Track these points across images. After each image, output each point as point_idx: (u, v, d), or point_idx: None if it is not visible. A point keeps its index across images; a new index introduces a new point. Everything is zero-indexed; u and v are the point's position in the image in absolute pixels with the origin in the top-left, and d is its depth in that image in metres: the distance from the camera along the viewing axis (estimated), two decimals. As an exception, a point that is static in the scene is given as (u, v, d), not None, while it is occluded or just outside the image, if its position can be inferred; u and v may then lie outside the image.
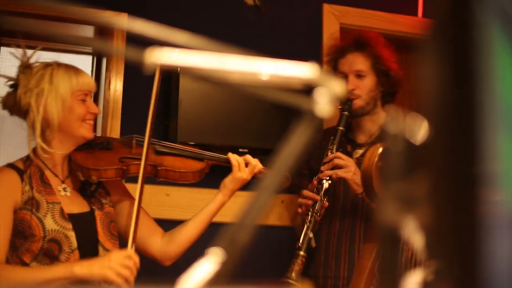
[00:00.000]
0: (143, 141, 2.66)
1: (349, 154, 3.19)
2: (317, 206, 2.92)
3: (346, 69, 3.19)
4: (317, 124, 1.01)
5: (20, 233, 2.58)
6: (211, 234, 2.74)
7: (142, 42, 1.02)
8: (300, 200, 2.96)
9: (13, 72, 2.71)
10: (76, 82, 2.67)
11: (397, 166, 0.68)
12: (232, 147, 3.82)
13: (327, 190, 2.98)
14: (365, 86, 3.18)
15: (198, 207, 2.88)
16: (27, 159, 2.72)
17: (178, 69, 0.96)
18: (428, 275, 0.89)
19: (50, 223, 2.57)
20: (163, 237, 2.83)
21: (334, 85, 1.00)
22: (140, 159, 2.63)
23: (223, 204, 2.80)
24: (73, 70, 2.70)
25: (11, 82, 2.69)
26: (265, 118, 3.97)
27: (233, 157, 2.80)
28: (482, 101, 0.63)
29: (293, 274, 2.75)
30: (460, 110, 0.59)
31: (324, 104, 0.99)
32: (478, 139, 0.65)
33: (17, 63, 2.76)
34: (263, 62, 0.99)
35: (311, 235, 2.88)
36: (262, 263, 3.69)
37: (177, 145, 2.90)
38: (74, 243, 2.60)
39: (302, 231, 2.92)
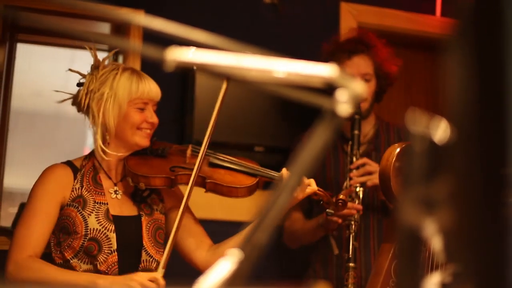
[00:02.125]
0: (198, 151, 2.64)
1: (346, 154, 3.18)
2: (357, 215, 2.92)
3: (354, 71, 3.17)
4: (338, 124, 1.00)
5: (65, 228, 2.61)
6: (230, 233, 2.76)
7: (159, 40, 1.01)
8: (346, 211, 2.87)
9: (35, 68, 2.73)
10: (136, 90, 2.66)
11: (419, 167, 0.67)
12: (248, 145, 3.81)
13: (362, 197, 2.97)
14: (370, 89, 3.19)
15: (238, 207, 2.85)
16: (85, 158, 2.75)
17: (194, 67, 0.96)
18: (446, 277, 0.88)
19: (93, 222, 2.60)
20: (209, 249, 2.79)
21: (355, 85, 0.99)
22: (191, 170, 2.61)
23: None
24: (136, 76, 2.69)
25: (81, 81, 2.72)
26: (281, 117, 3.96)
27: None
28: (509, 101, 0.62)
29: (351, 287, 2.76)
30: (486, 111, 0.58)
31: (345, 104, 0.99)
32: (503, 140, 0.64)
33: (33, 60, 2.77)
34: (283, 61, 0.98)
35: (356, 244, 2.88)
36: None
37: (233, 158, 2.84)
38: (114, 245, 2.61)
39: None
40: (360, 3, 4.34)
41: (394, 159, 2.21)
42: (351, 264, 2.83)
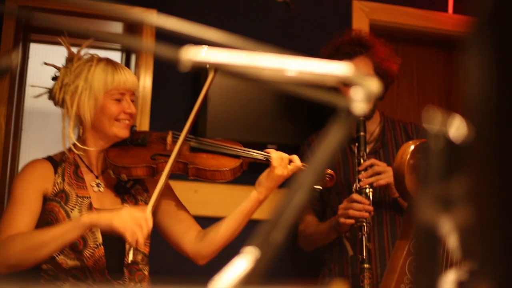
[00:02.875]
0: (179, 137, 2.61)
1: (355, 154, 3.17)
2: (369, 217, 2.91)
3: None
4: (352, 121, 1.00)
5: (48, 224, 2.57)
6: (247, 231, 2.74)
7: (172, 39, 1.01)
8: (355, 213, 2.88)
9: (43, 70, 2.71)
10: (112, 81, 2.63)
11: (436, 165, 0.67)
12: (261, 143, 3.81)
13: (372, 198, 2.97)
14: None
15: (228, 203, 2.84)
16: (64, 153, 2.71)
17: (207, 65, 0.96)
18: (463, 275, 0.87)
19: (76, 217, 2.56)
20: (198, 236, 2.74)
21: (369, 83, 0.99)
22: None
23: (259, 202, 2.65)
24: (111, 67, 2.65)
25: (56, 74, 2.70)
26: (294, 115, 3.96)
27: (273, 152, 2.66)
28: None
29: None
30: (505, 110, 0.58)
31: (360, 102, 0.98)
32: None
33: (47, 60, 2.76)
34: (297, 59, 0.98)
35: (370, 246, 2.87)
36: None
37: (215, 141, 2.79)
38: (99, 239, 2.59)
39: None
40: (372, 1, 4.34)
41: (408, 157, 2.21)
42: (366, 265, 2.83)
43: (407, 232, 2.25)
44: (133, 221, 2.36)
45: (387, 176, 3.00)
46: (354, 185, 3.02)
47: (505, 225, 0.61)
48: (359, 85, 0.99)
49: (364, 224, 2.90)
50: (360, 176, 3.01)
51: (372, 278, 2.82)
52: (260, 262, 0.93)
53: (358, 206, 2.90)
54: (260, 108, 3.90)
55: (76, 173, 2.68)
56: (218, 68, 0.98)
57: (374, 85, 1.00)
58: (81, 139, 2.68)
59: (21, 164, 4.31)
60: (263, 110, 3.90)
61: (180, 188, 3.33)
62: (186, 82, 3.94)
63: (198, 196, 3.79)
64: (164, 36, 0.93)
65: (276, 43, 3.94)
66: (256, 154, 2.70)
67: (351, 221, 2.89)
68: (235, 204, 2.72)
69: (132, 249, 2.58)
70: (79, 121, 2.64)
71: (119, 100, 2.65)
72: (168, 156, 2.60)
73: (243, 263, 0.93)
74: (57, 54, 2.97)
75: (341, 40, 3.29)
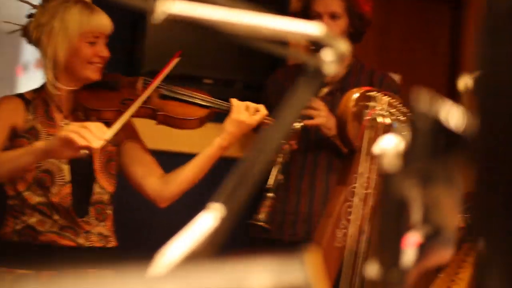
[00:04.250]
0: (149, 83, 2.65)
1: None
2: (288, 149, 2.90)
3: (321, 9, 3.16)
4: (322, 80, 1.02)
5: None
6: (176, 164, 2.77)
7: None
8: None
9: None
10: (87, 23, 2.60)
11: (420, 144, 0.69)
12: (197, 77, 3.79)
13: (298, 133, 2.95)
14: (338, 28, 3.16)
15: (196, 138, 2.84)
16: (35, 91, 2.70)
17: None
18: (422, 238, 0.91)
19: None
20: (160, 179, 2.76)
21: (339, 44, 1.00)
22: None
23: (223, 149, 2.70)
24: (87, 9, 2.62)
25: (30, 11, 2.65)
26: (231, 49, 3.93)
27: (234, 100, 2.70)
28: None
29: (263, 216, 2.75)
30: None
31: (330, 62, 1.00)
32: None
33: None
34: (270, 17, 0.99)
35: (280, 176, 2.86)
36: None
37: (184, 89, 2.81)
38: (67, 176, 2.60)
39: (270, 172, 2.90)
40: None
41: (352, 104, 2.24)
42: (270, 194, 2.83)
43: (345, 178, 2.29)
44: (79, 125, 2.37)
45: (318, 117, 3.02)
46: None
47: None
48: (330, 46, 1.00)
49: (281, 154, 2.89)
50: None
51: (271, 208, 2.82)
52: (226, 220, 0.95)
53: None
54: (198, 43, 3.86)
55: (47, 112, 2.67)
56: (191, 22, 0.98)
57: (343, 46, 1.01)
58: (55, 78, 2.65)
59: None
60: (200, 43, 3.87)
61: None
62: (124, 12, 3.87)
63: (165, 130, 3.76)
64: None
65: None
66: (222, 103, 2.75)
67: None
68: (201, 140, 2.77)
69: (80, 151, 2.57)
70: (54, 62, 2.62)
71: (93, 43, 2.63)
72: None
73: (209, 220, 0.95)
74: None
75: None
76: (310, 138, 3.12)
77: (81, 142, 2.34)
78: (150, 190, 2.76)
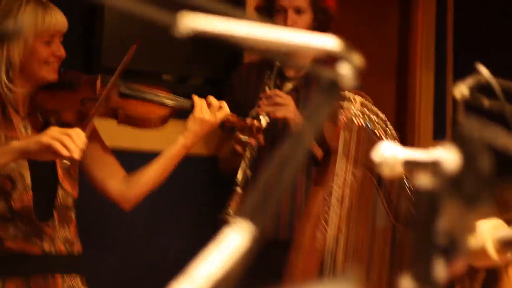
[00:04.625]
0: (108, 81, 2.59)
1: (279, 88, 3.18)
2: (255, 144, 2.89)
3: (285, 3, 3.16)
4: (338, 94, 1.03)
5: None
6: (136, 163, 2.74)
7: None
8: (241, 136, 2.86)
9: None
10: (42, 22, 2.53)
11: (474, 170, 0.70)
12: (155, 73, 3.77)
13: (265, 127, 2.94)
14: (303, 23, 3.16)
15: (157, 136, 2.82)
16: None
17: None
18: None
19: None
20: (123, 180, 2.73)
21: (354, 58, 1.01)
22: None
23: (186, 148, 2.67)
24: (41, 8, 2.55)
25: None
26: (191, 44, 3.90)
27: (196, 98, 2.68)
28: None
29: (231, 211, 2.75)
30: None
31: (347, 76, 1.00)
32: None
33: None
34: (286, 31, 0.99)
35: (248, 172, 2.86)
36: (186, 193, 3.67)
37: (144, 87, 2.76)
38: (29, 182, 2.54)
39: (239, 167, 2.89)
40: None
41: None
42: (239, 189, 2.83)
43: (322, 179, 2.32)
44: (61, 132, 2.33)
45: (286, 110, 3.01)
46: (252, 110, 3.00)
47: None
48: (345, 60, 1.01)
49: (248, 149, 2.89)
50: (260, 102, 3.01)
51: (240, 202, 2.82)
52: (255, 236, 0.95)
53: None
54: (157, 38, 3.82)
55: (4, 114, 2.60)
56: (210, 36, 0.98)
57: (358, 60, 1.02)
58: (9, 80, 2.58)
59: None
60: (159, 37, 3.83)
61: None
62: (80, 7, 3.81)
63: (125, 128, 3.72)
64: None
65: None
66: (184, 101, 2.72)
67: (237, 145, 2.88)
68: (163, 137, 2.77)
69: (63, 161, 2.53)
70: (9, 63, 2.55)
71: (48, 42, 2.57)
72: (97, 100, 2.57)
73: (236, 239, 0.94)
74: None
75: None
76: (277, 133, 3.10)
77: (64, 152, 2.30)
78: (113, 192, 2.73)
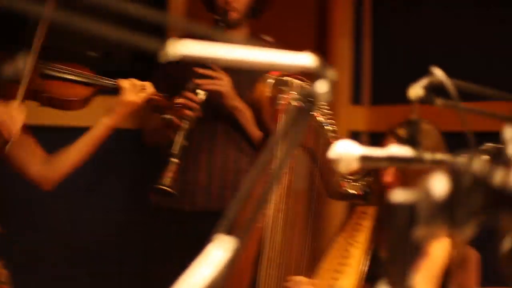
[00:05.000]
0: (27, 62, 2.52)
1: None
2: (192, 115, 2.87)
3: None
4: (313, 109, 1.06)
5: None
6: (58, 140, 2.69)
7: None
8: (166, 116, 2.83)
9: None
10: None
11: (464, 199, 0.75)
12: (79, 51, 3.70)
13: (202, 101, 2.93)
14: (243, 0, 3.15)
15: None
16: None
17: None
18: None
19: None
20: (43, 161, 2.69)
21: (330, 74, 1.05)
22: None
23: (109, 128, 2.67)
24: None
25: None
26: (114, 21, 3.84)
27: (121, 81, 2.67)
28: None
29: (168, 181, 2.74)
30: None
31: (324, 93, 1.04)
32: None
33: None
34: (266, 51, 1.02)
35: (185, 143, 2.85)
36: (112, 167, 3.63)
37: (65, 66, 2.70)
38: None
39: (174, 139, 2.88)
40: None
41: (267, 90, 2.29)
42: (175, 160, 2.84)
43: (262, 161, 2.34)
44: (4, 111, 2.36)
45: (219, 84, 3.00)
46: (188, 84, 2.98)
47: None
48: (322, 76, 1.05)
49: (186, 121, 2.89)
50: (195, 76, 3.00)
51: (176, 174, 2.84)
52: (237, 250, 0.98)
53: (184, 101, 2.89)
54: (86, 12, 3.74)
55: None
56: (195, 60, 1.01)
57: (333, 75, 1.06)
58: None
59: None
60: (89, 13, 3.75)
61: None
62: None
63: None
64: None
65: None
66: (107, 81, 2.70)
67: (176, 119, 2.87)
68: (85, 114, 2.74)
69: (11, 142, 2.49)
70: None
71: None
72: (18, 82, 2.50)
73: (220, 253, 0.98)
74: None
75: None
76: (210, 107, 3.09)
77: (4, 131, 2.30)
78: (34, 173, 2.70)
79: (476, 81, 1.41)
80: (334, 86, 1.03)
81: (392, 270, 0.94)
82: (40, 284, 3.36)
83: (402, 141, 2.33)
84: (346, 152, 1.34)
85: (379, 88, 3.98)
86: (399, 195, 0.92)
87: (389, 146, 2.27)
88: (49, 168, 2.68)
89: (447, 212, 0.77)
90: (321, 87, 1.03)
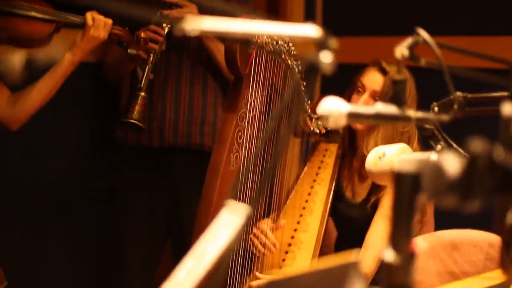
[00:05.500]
0: None
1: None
2: (158, 48, 2.84)
3: None
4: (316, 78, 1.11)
5: None
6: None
7: None
8: (129, 50, 2.79)
9: None
10: None
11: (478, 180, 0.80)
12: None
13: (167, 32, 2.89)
14: None
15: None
16: None
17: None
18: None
19: None
20: (8, 100, 2.67)
21: (332, 43, 1.09)
22: None
23: (73, 64, 2.66)
24: None
25: None
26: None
27: (87, 15, 2.64)
28: None
29: (136, 115, 2.73)
30: None
31: (328, 62, 1.07)
32: None
33: None
34: (270, 24, 1.06)
35: (151, 76, 2.83)
36: (72, 100, 3.57)
37: (25, 3, 2.62)
38: None
39: (141, 72, 2.86)
40: None
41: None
42: (142, 94, 2.83)
43: (235, 104, 2.38)
44: None
45: (187, 11, 2.96)
46: (154, 16, 2.93)
47: None
48: (325, 47, 1.09)
49: (151, 54, 2.87)
50: (162, 7, 2.96)
51: (144, 107, 2.84)
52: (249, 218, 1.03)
53: (150, 35, 2.87)
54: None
55: None
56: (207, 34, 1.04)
57: (334, 43, 1.10)
58: None
59: None
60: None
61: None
62: None
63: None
64: None
65: None
66: (69, 17, 2.65)
67: (142, 53, 2.86)
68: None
69: None
70: None
71: None
72: None
73: (235, 219, 1.03)
74: None
75: None
76: (181, 40, 3.05)
77: None
78: (0, 114, 2.68)
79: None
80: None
81: (395, 235, 1.00)
82: (4, 222, 3.35)
83: (385, 73, 2.42)
84: (334, 108, 1.39)
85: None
86: (406, 164, 0.97)
87: (369, 76, 2.36)
88: (14, 108, 2.66)
89: (458, 190, 0.83)
90: (325, 57, 1.07)
